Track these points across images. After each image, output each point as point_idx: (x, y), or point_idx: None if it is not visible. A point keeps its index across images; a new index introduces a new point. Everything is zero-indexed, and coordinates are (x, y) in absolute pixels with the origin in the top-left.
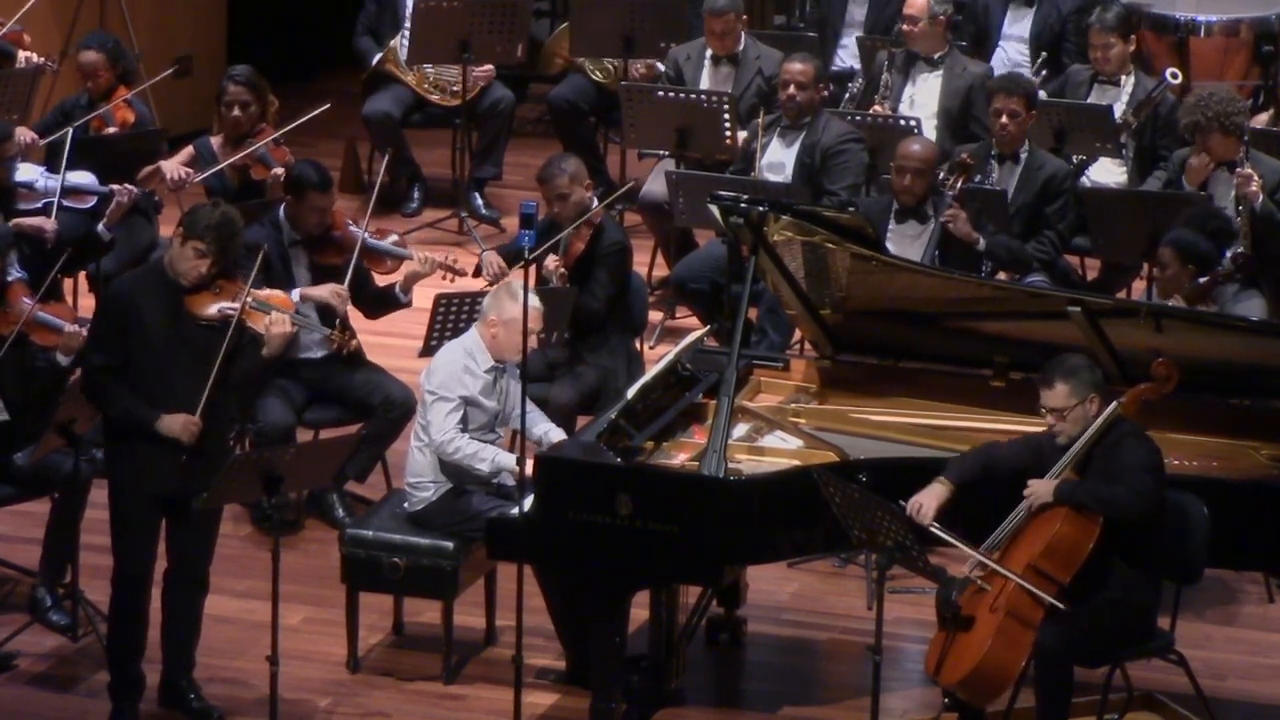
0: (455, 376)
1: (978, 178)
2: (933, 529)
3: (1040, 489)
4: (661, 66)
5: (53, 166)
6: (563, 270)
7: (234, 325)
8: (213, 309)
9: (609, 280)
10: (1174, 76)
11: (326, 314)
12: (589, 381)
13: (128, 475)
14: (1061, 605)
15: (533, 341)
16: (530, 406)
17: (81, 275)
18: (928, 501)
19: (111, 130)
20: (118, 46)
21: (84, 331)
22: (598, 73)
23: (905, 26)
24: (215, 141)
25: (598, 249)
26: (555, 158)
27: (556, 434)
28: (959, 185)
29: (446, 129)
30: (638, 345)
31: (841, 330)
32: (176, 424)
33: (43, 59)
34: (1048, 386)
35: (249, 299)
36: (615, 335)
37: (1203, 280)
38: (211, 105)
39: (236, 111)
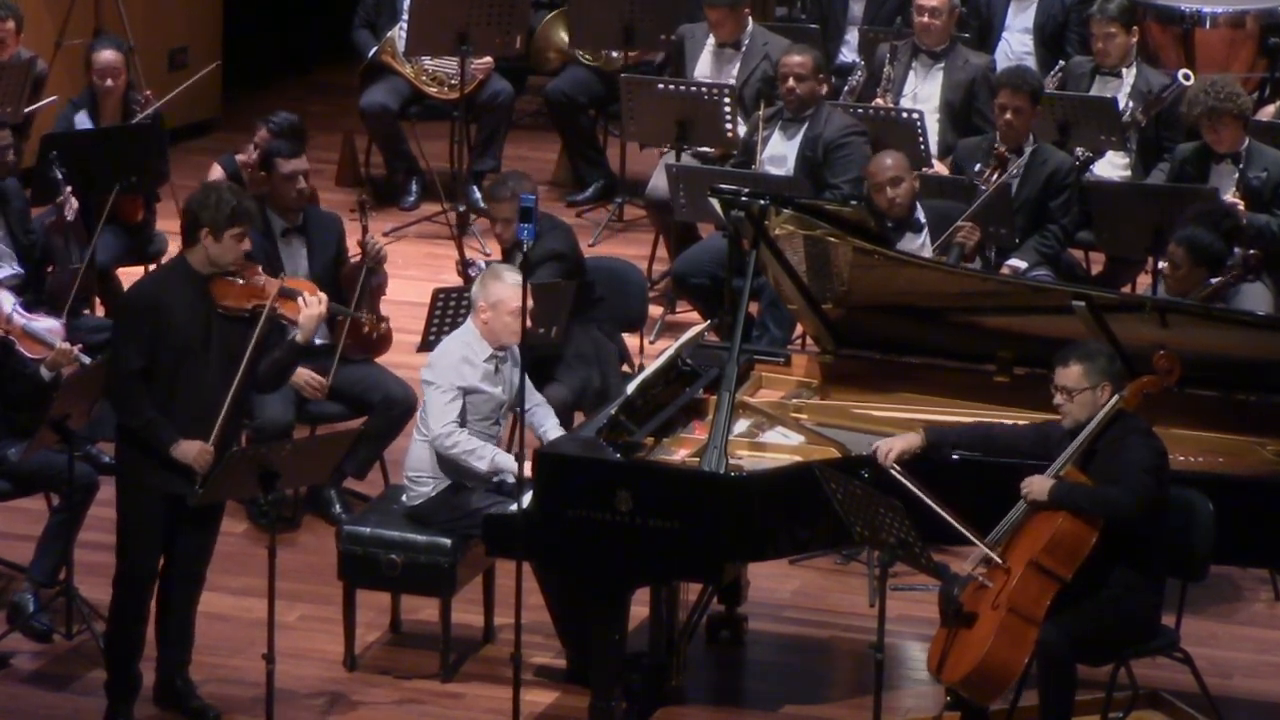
0: (453, 368)
1: (977, 166)
2: (893, 470)
3: (1036, 486)
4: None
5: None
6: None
7: (265, 314)
8: (243, 299)
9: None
10: (1186, 78)
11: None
12: (582, 379)
13: (142, 474)
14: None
15: (529, 321)
16: (539, 399)
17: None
18: (896, 444)
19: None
20: (130, 53)
21: (74, 350)
22: (587, 56)
23: (926, 19)
24: (241, 160)
25: (532, 256)
26: (509, 176)
27: (555, 433)
28: (994, 178)
29: (445, 122)
30: (630, 341)
31: (843, 325)
32: (192, 452)
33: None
34: (1063, 365)
35: (278, 287)
36: (587, 336)
37: (1214, 281)
38: (208, 98)
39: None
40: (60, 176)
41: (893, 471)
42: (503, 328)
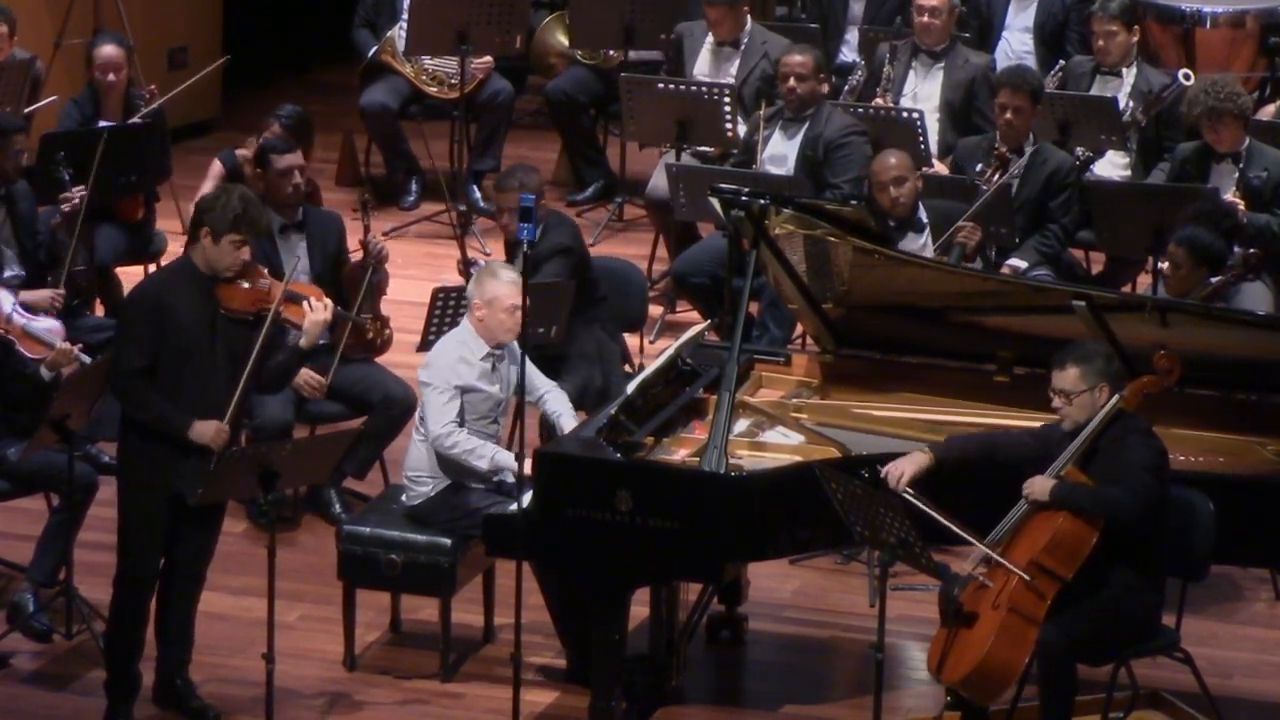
0: (450, 367)
1: (978, 166)
2: (905, 494)
3: (1038, 487)
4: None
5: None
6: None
7: (270, 318)
8: (248, 303)
9: (554, 277)
10: (1186, 77)
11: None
12: (584, 379)
13: (146, 474)
14: (1025, 576)
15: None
16: (551, 385)
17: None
18: (907, 468)
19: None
20: (130, 52)
21: (74, 350)
22: (583, 56)
23: (926, 19)
24: (241, 154)
25: (537, 251)
26: (518, 169)
27: (568, 420)
28: (995, 178)
29: (445, 121)
30: (630, 340)
31: (843, 325)
32: (209, 432)
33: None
34: (1060, 368)
35: (283, 291)
36: (590, 335)
37: (1215, 280)
38: (208, 97)
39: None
40: (67, 178)
41: (906, 495)
42: (498, 325)
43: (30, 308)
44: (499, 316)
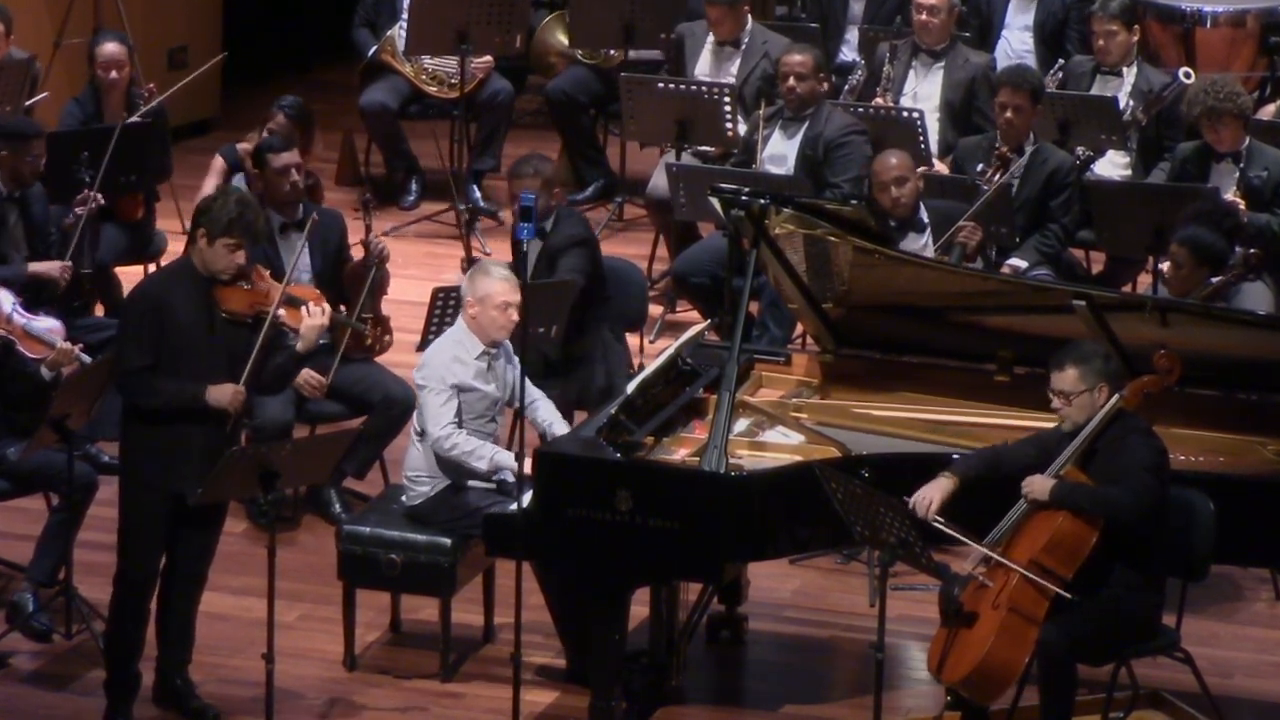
0: (445, 366)
1: (979, 166)
2: (936, 523)
3: (1037, 486)
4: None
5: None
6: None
7: (269, 321)
8: (246, 305)
9: (576, 270)
10: (1187, 76)
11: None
12: (584, 378)
13: (146, 473)
14: (1067, 595)
15: (515, 315)
16: (539, 394)
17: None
18: (934, 496)
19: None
20: (131, 49)
21: (75, 350)
22: (583, 55)
23: (925, 17)
24: (243, 149)
25: (551, 243)
26: (534, 157)
27: (560, 427)
28: (996, 178)
29: (445, 120)
30: (629, 340)
31: (844, 324)
32: (226, 394)
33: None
34: (1059, 369)
35: (281, 294)
36: (598, 335)
37: (1216, 280)
38: (207, 97)
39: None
40: (89, 179)
41: (936, 524)
42: (490, 323)
43: (37, 281)
44: (491, 314)
